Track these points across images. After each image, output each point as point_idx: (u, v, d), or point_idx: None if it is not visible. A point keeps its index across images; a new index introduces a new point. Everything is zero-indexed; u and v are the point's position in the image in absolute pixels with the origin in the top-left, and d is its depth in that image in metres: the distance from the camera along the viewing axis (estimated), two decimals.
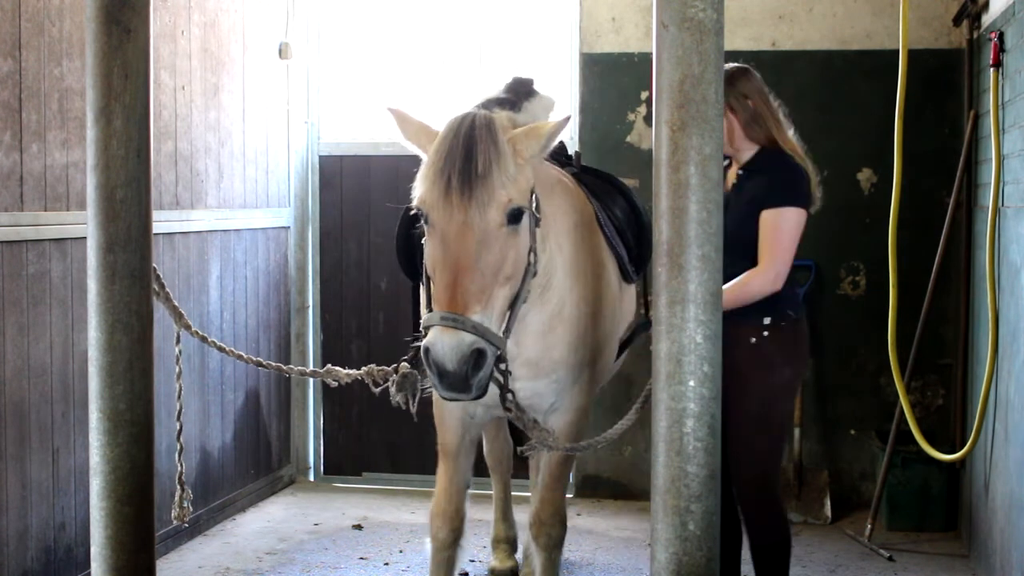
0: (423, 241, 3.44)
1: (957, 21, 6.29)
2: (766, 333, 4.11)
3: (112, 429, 3.01)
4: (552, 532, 4.05)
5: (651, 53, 2.66)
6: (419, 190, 3.33)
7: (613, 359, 4.16)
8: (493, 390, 3.74)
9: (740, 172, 4.20)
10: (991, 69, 5.17)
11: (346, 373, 3.63)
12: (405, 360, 3.54)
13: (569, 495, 6.77)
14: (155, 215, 3.17)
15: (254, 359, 3.73)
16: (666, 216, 2.61)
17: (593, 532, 6.23)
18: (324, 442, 7.28)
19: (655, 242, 2.68)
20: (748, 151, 4.20)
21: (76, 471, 4.97)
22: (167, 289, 3.16)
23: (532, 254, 3.43)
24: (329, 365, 3.72)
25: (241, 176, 6.50)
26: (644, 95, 6.77)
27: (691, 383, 2.60)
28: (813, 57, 6.66)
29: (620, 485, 6.84)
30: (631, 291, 4.41)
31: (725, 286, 4.00)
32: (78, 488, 4.97)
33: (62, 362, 4.88)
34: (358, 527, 6.24)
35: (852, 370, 6.70)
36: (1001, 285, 5.05)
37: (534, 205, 3.45)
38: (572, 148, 6.86)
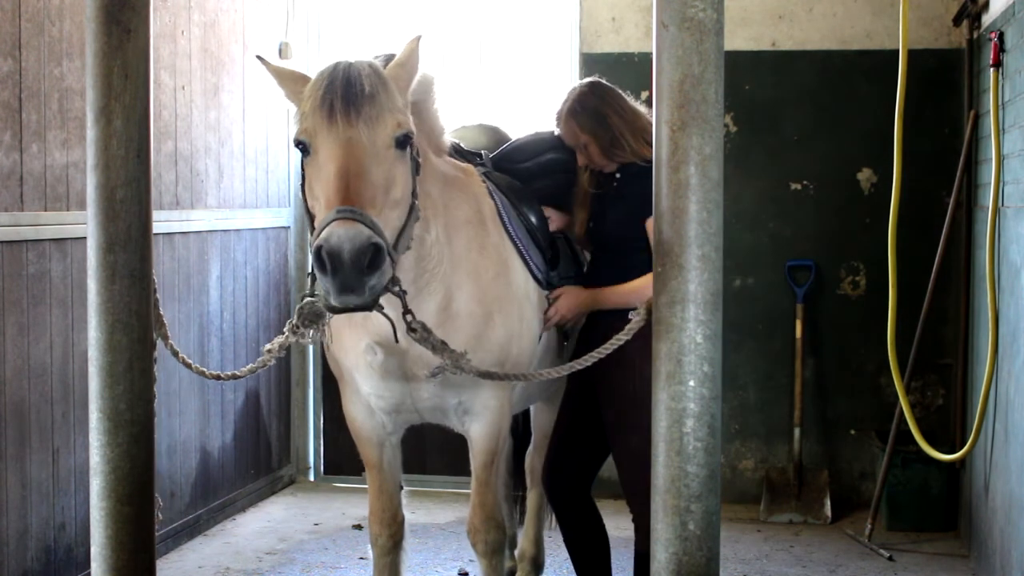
0: (303, 180, 3.30)
1: (957, 21, 6.29)
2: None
3: (112, 429, 3.01)
4: (488, 537, 3.99)
5: (651, 53, 2.66)
6: (300, 124, 3.23)
7: (527, 361, 4.01)
8: (400, 392, 3.69)
9: (617, 174, 4.14)
10: (991, 69, 5.17)
11: (274, 344, 3.38)
12: (304, 294, 3.28)
13: None
14: (155, 215, 3.17)
15: (209, 372, 3.62)
16: (666, 216, 2.61)
17: None
18: (324, 442, 7.28)
19: (655, 242, 2.67)
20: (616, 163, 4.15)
21: (76, 471, 4.96)
22: (157, 295, 3.14)
23: (415, 198, 3.34)
24: (263, 348, 3.49)
25: (241, 176, 6.50)
26: (644, 95, 6.77)
27: (691, 383, 2.60)
28: (813, 57, 6.66)
29: (620, 485, 6.82)
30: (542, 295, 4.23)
31: (628, 285, 4.02)
32: (78, 488, 4.97)
33: (62, 362, 4.88)
34: (358, 527, 6.24)
35: (852, 370, 6.70)
36: (1001, 285, 5.05)
37: (414, 150, 3.36)
38: None
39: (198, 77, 6.00)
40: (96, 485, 3.02)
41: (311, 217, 3.24)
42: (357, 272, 2.96)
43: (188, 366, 3.46)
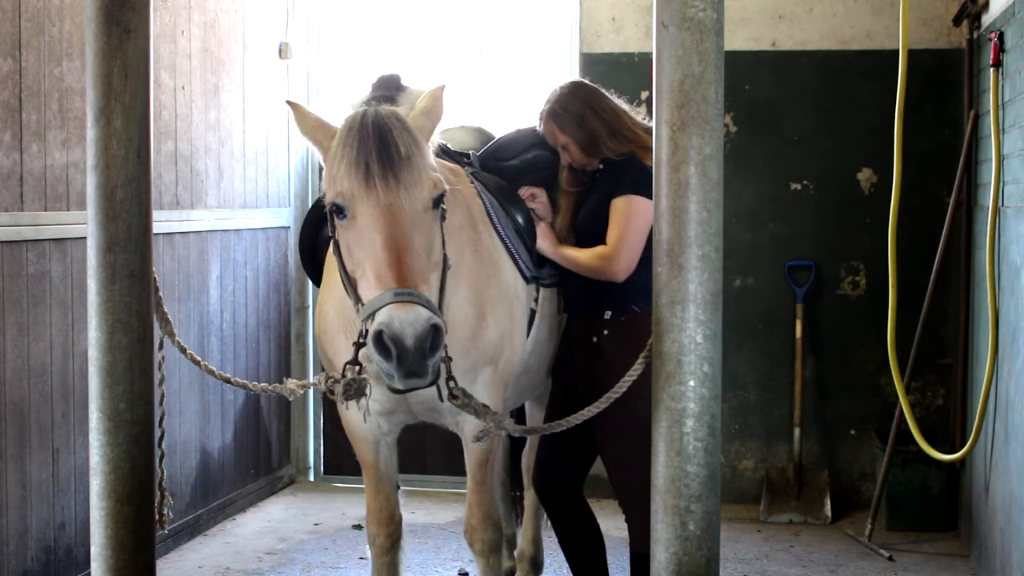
0: (334, 239, 3.26)
1: (957, 21, 6.29)
2: (606, 331, 4.08)
3: (112, 429, 3.01)
4: (485, 537, 4.00)
5: (651, 53, 2.66)
6: (335, 184, 3.16)
7: (519, 359, 4.04)
8: (395, 396, 3.64)
9: (597, 173, 4.19)
10: (991, 69, 5.17)
11: (300, 384, 3.39)
12: (348, 363, 3.23)
13: None
14: (155, 215, 3.16)
15: (219, 374, 3.58)
16: (666, 216, 2.61)
17: None
18: (324, 442, 7.27)
19: (655, 242, 2.67)
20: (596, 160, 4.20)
21: (76, 471, 4.96)
22: (160, 294, 3.13)
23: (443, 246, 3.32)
24: (285, 379, 3.48)
25: (241, 176, 6.50)
26: (644, 95, 6.78)
27: (691, 383, 2.60)
28: (813, 57, 6.66)
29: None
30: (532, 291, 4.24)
31: (578, 253, 4.08)
32: (78, 488, 4.97)
33: (62, 362, 4.88)
34: (358, 527, 6.24)
35: (852, 370, 6.70)
36: (1001, 285, 5.05)
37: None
38: None
39: (198, 77, 6.00)
40: (96, 485, 3.02)
41: (352, 281, 3.20)
42: (420, 357, 2.95)
43: (197, 363, 3.44)
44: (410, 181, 3.13)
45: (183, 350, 3.36)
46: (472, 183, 4.09)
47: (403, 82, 3.67)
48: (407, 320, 2.92)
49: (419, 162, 3.17)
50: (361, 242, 3.13)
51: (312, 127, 3.36)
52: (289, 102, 3.47)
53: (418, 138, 3.23)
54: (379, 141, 3.14)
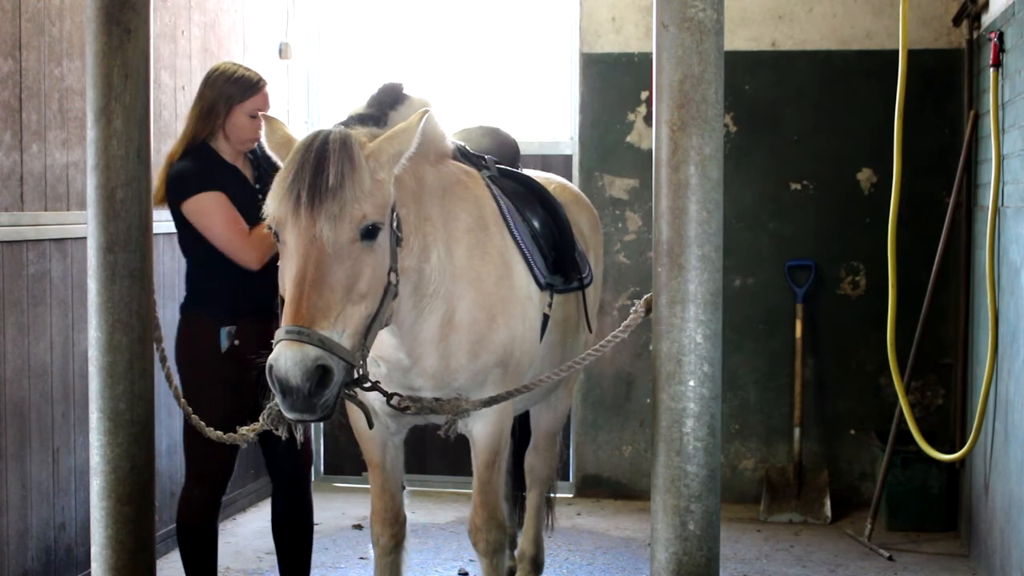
0: (278, 264, 3.29)
1: (957, 21, 6.30)
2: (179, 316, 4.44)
3: (112, 429, 3.01)
4: (489, 537, 4.01)
5: (651, 53, 2.66)
6: (270, 208, 3.18)
7: (529, 361, 4.03)
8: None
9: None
10: (991, 69, 5.17)
11: (249, 429, 3.45)
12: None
13: (569, 495, 6.78)
14: (155, 215, 3.17)
15: (187, 410, 3.63)
16: (666, 216, 2.61)
17: (593, 532, 6.23)
18: (324, 442, 7.27)
19: (655, 242, 2.67)
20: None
21: (76, 471, 4.97)
22: (154, 296, 3.14)
23: (393, 274, 3.29)
24: (238, 428, 3.51)
25: None
26: (644, 95, 6.78)
27: (691, 383, 2.60)
28: (813, 57, 6.66)
29: (620, 485, 6.84)
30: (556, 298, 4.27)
31: None
32: (78, 488, 4.97)
33: (62, 362, 4.88)
34: (358, 527, 6.24)
35: (852, 370, 6.70)
36: (1001, 285, 5.05)
37: (395, 223, 3.32)
38: (572, 148, 6.89)
39: (198, 77, 5.98)
40: (96, 485, 3.03)
41: (281, 300, 3.24)
42: (306, 395, 2.98)
43: (168, 381, 3.43)
44: (333, 212, 3.09)
45: (163, 360, 3.34)
46: (488, 187, 4.08)
47: (406, 91, 3.66)
48: (293, 359, 2.95)
49: (348, 192, 3.12)
50: (284, 270, 3.16)
51: (278, 143, 3.39)
52: (264, 116, 3.51)
53: (358, 164, 3.16)
54: (315, 168, 3.13)
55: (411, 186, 3.52)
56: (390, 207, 3.27)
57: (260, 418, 3.31)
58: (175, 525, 4.43)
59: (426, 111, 3.33)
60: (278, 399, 3.03)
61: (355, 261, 3.14)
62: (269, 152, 3.43)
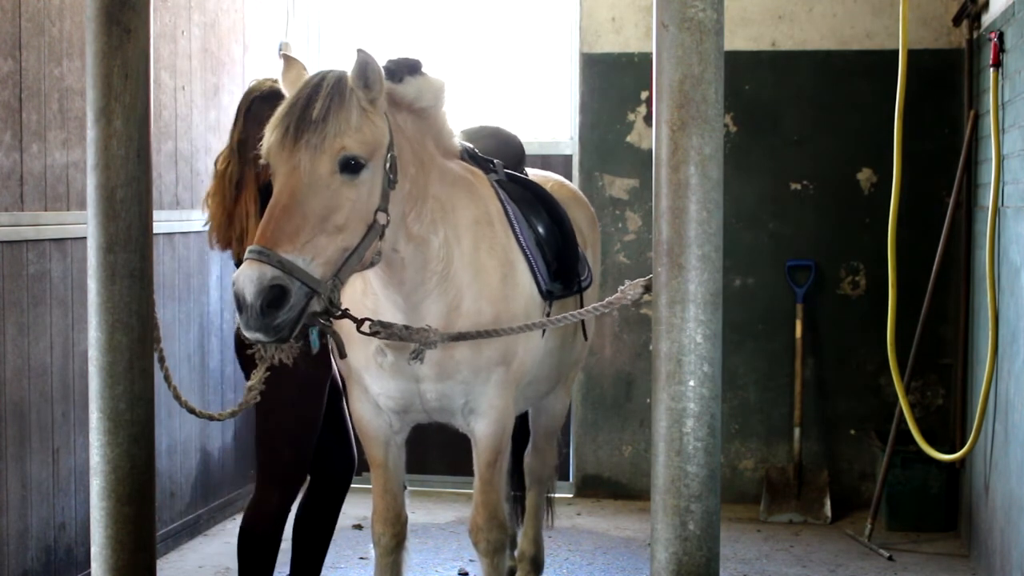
0: None
1: (957, 21, 6.29)
2: None
3: (112, 429, 3.01)
4: (490, 537, 4.00)
5: (651, 53, 2.66)
6: (264, 139, 3.30)
7: (531, 360, 4.05)
8: (409, 392, 3.78)
9: None
10: (991, 69, 5.17)
11: (254, 379, 3.60)
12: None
13: (569, 495, 6.78)
14: (155, 215, 3.17)
15: (189, 406, 3.69)
16: (666, 216, 2.61)
17: (593, 532, 6.23)
18: None
19: (655, 242, 2.67)
20: None
21: (76, 471, 4.96)
22: (153, 296, 3.15)
23: (382, 214, 3.32)
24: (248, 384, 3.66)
25: None
26: (644, 95, 6.78)
27: (691, 383, 2.60)
28: (813, 57, 6.66)
29: (620, 485, 6.84)
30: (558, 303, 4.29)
31: None
32: (78, 488, 4.97)
33: (62, 362, 4.88)
34: (358, 527, 6.24)
35: (852, 370, 6.70)
36: (1001, 285, 5.05)
37: (387, 164, 3.35)
38: (572, 148, 6.89)
39: (198, 77, 6.00)
40: (96, 485, 3.03)
41: None
42: (259, 314, 3.05)
43: (167, 381, 3.48)
44: (314, 143, 3.18)
45: (162, 360, 3.36)
46: (494, 189, 4.09)
47: (424, 69, 3.70)
48: (249, 277, 3.03)
49: (332, 126, 3.20)
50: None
51: (291, 81, 3.47)
52: (285, 55, 3.59)
53: (347, 103, 3.25)
54: (305, 103, 3.23)
55: (418, 152, 3.56)
56: (384, 148, 3.33)
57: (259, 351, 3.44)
58: (239, 530, 4.41)
59: (445, 82, 3.48)
60: (239, 317, 3.12)
61: (333, 193, 3.20)
62: (282, 88, 3.50)
